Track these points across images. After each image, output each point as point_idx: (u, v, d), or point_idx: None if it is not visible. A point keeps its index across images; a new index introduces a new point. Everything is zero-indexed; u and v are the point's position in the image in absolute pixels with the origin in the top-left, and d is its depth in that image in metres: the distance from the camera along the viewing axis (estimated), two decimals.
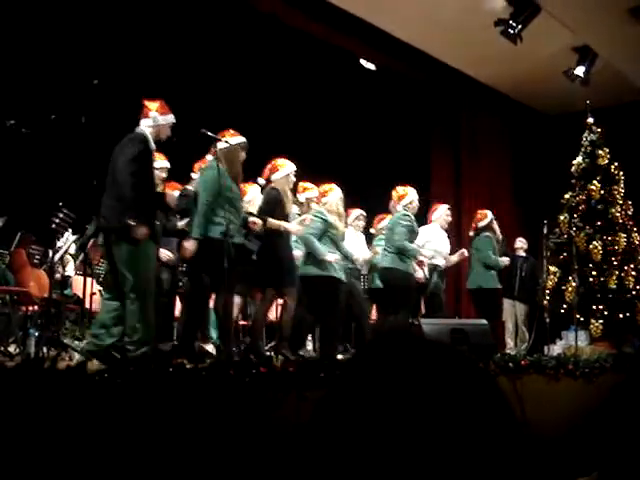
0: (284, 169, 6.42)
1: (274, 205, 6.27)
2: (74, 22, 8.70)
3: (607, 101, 10.51)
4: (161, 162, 6.31)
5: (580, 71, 9.85)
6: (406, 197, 7.53)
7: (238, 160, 5.86)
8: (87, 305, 6.98)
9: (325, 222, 6.68)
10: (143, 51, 9.30)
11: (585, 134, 9.58)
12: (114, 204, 5.02)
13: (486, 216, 8.76)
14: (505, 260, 8.67)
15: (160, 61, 9.50)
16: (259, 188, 6.89)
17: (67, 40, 8.80)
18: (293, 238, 6.70)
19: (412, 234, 7.38)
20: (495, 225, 8.78)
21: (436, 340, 0.74)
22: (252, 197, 6.91)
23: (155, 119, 5.27)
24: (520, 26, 8.54)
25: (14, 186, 8.44)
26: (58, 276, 7.21)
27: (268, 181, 6.53)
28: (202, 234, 5.56)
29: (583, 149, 9.52)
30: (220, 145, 5.78)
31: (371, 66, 10.72)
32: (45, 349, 5.42)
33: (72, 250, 7.36)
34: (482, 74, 11.08)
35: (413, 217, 7.46)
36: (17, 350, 6.03)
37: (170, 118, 5.37)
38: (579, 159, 9.48)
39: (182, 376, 3.44)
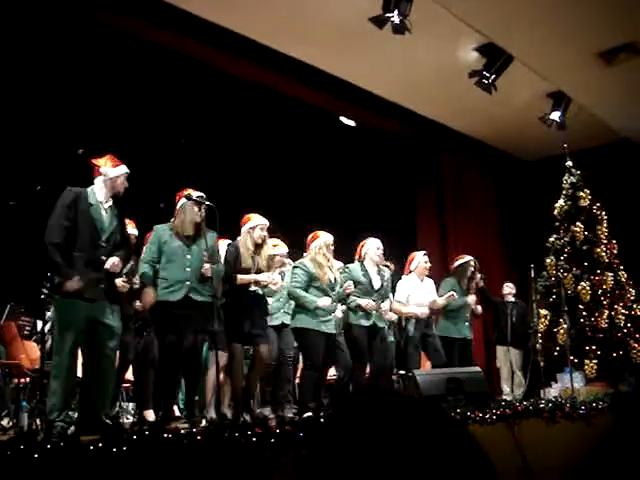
0: (248, 223, 6.37)
1: (233, 261, 6.20)
2: (56, 94, 8.82)
3: (584, 143, 10.69)
4: (128, 229, 6.23)
5: (555, 116, 10.02)
6: (362, 249, 7.41)
7: (185, 216, 5.79)
8: (79, 374, 6.91)
9: (307, 273, 6.64)
10: (125, 119, 9.43)
11: (565, 177, 9.74)
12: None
13: (461, 258, 8.60)
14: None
15: (143, 128, 9.62)
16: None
17: (50, 111, 8.91)
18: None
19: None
20: (467, 267, 8.49)
21: (406, 394, 0.76)
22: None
23: (106, 173, 5.25)
24: (494, 76, 8.72)
25: (1, 258, 8.45)
26: (49, 346, 7.17)
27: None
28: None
29: (564, 192, 9.67)
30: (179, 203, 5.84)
31: (351, 122, 10.90)
32: (38, 421, 5.36)
33: None
34: (462, 125, 11.26)
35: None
36: (10, 423, 5.96)
37: (122, 169, 5.32)
38: (561, 202, 9.61)
39: (177, 441, 3.42)
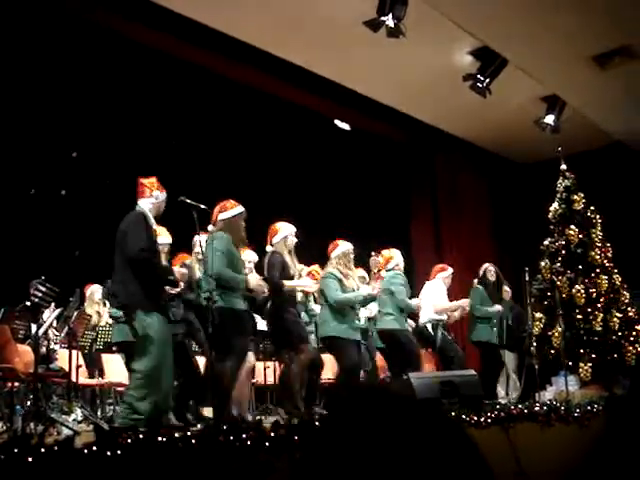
0: (282, 231, 6.53)
1: (281, 270, 6.36)
2: (49, 96, 8.80)
3: (579, 147, 10.71)
4: (164, 238, 6.39)
5: (550, 120, 10.05)
6: (392, 260, 7.66)
7: (241, 228, 5.99)
8: (73, 378, 6.90)
9: (337, 280, 6.79)
10: (120, 123, 9.41)
11: (559, 180, 9.75)
12: (127, 285, 5.20)
13: (481, 267, 8.98)
14: (496, 307, 8.83)
15: (137, 132, 9.60)
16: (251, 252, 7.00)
17: (44, 114, 8.89)
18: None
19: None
20: (489, 275, 8.95)
21: (401, 394, 0.75)
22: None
23: (157, 197, 5.47)
24: (488, 79, 8.74)
25: None
26: (43, 350, 7.15)
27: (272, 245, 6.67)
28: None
29: (558, 195, 9.67)
30: (223, 215, 5.93)
31: (346, 126, 10.90)
32: (32, 425, 5.35)
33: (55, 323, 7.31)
34: (456, 128, 11.28)
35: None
36: (4, 427, 5.93)
37: (165, 194, 5.57)
38: (555, 205, 9.61)
39: (171, 444, 3.41)
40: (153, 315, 5.15)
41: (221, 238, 5.83)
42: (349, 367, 6.66)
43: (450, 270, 8.69)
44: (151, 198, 5.45)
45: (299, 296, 7.09)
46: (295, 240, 6.62)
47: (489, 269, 8.96)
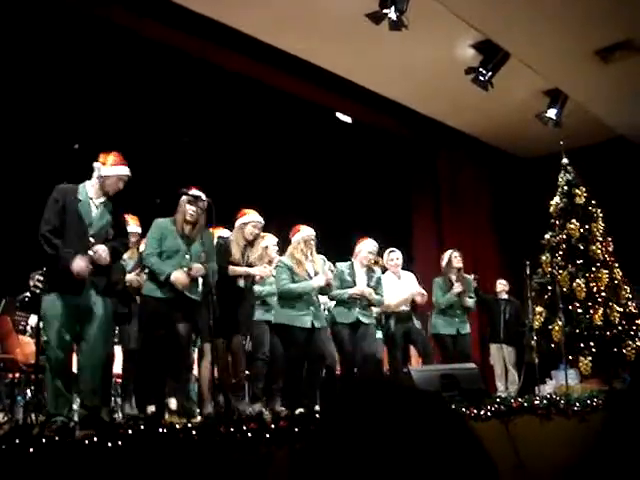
0: (242, 218, 6.38)
1: (223, 254, 6.21)
2: (54, 89, 8.79)
3: (581, 141, 10.71)
4: (131, 227, 6.27)
5: (552, 114, 10.03)
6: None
7: (184, 212, 5.77)
8: (74, 369, 6.90)
9: (287, 268, 6.65)
10: (121, 113, 9.39)
11: (561, 175, 9.76)
12: None
13: (443, 258, 8.53)
14: (453, 292, 8.15)
15: (139, 123, 9.59)
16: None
17: (48, 106, 8.88)
18: None
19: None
20: (454, 263, 8.34)
21: (404, 386, 0.75)
22: None
23: (99, 170, 5.19)
24: (490, 73, 8.71)
25: None
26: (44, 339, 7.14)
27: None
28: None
29: (560, 189, 9.68)
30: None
31: (347, 119, 10.88)
32: (33, 415, 5.36)
33: None
34: (458, 122, 11.25)
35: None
36: (5, 418, 5.95)
37: (116, 170, 5.20)
38: (556, 199, 9.63)
39: (172, 436, 3.42)
40: (51, 295, 4.94)
41: (155, 224, 5.78)
42: (293, 355, 6.50)
43: (385, 253, 8.04)
44: (96, 173, 5.19)
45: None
46: (255, 231, 6.32)
47: (454, 255, 8.35)
